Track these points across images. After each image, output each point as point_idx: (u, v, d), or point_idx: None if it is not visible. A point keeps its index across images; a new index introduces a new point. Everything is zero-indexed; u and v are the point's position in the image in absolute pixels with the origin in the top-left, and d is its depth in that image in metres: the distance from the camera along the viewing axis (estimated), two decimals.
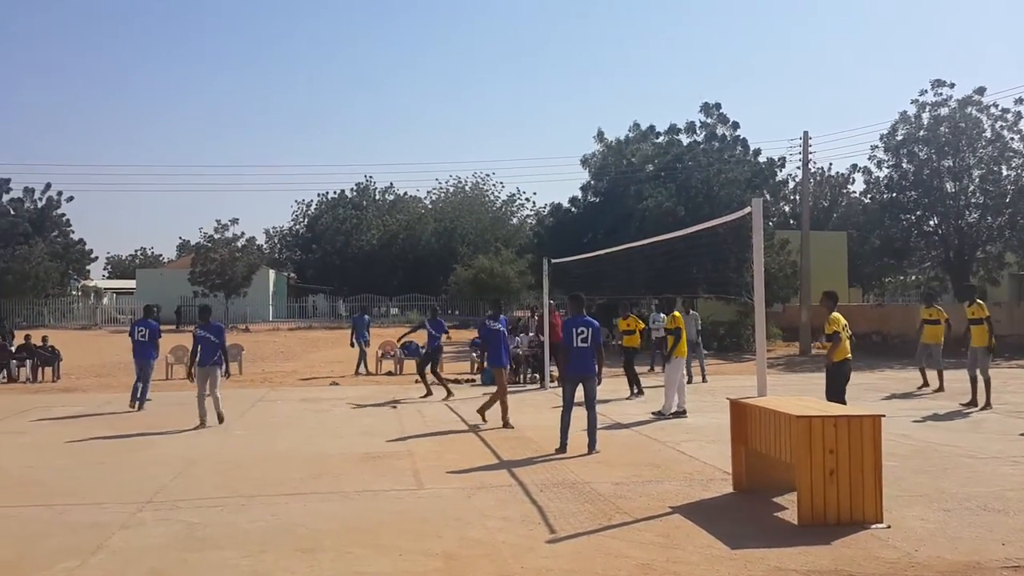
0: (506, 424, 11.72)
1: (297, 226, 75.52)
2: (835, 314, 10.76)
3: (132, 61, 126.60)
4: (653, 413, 12.86)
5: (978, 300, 14.10)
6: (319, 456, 9.73)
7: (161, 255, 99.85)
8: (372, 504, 7.40)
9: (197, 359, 12.25)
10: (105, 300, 61.17)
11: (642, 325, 17.04)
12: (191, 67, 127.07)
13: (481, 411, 12.21)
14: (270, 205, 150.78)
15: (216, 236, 52.37)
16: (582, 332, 9.86)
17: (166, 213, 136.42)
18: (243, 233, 54.73)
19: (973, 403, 13.53)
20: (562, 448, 9.77)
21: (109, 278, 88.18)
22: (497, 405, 11.98)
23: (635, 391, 15.37)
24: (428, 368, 16.11)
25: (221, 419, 12.17)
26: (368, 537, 6.35)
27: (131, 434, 11.48)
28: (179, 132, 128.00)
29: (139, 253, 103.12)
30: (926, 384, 16.04)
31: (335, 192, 73.09)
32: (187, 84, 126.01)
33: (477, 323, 28.75)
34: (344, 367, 23.04)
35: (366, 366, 21.78)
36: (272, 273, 61.26)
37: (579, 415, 9.96)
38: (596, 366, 9.91)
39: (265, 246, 72.46)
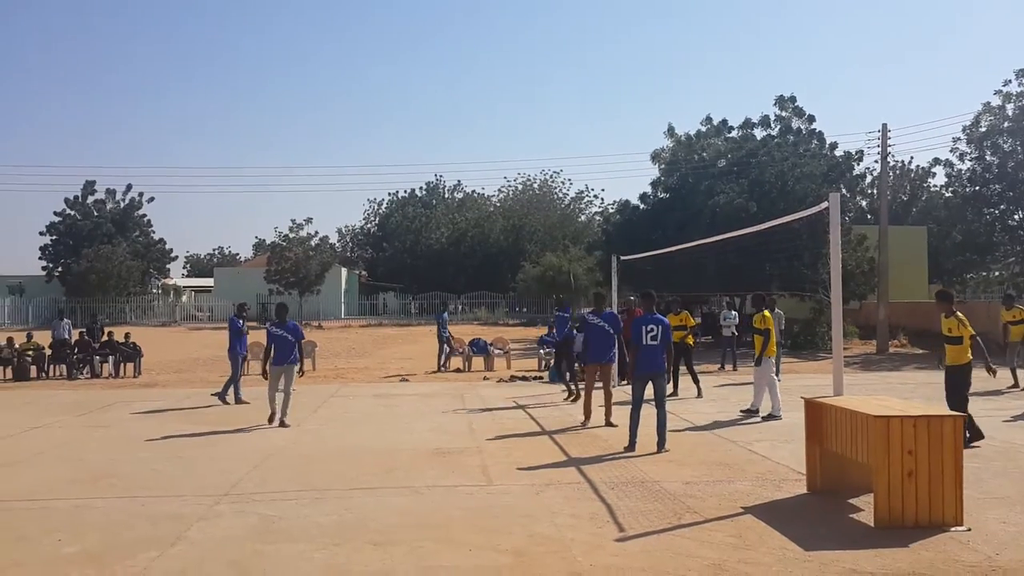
0: (609, 423, 11.47)
1: (368, 225, 76.69)
2: (962, 315, 9.82)
3: (208, 60, 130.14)
4: (742, 411, 12.53)
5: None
6: (390, 451, 9.87)
7: (238, 254, 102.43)
8: (443, 499, 7.48)
9: (272, 357, 12.26)
10: (184, 298, 63.05)
11: (692, 322, 16.57)
12: (269, 67, 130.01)
13: (606, 417, 11.67)
14: (343, 204, 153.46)
15: (291, 235, 53.45)
16: (651, 330, 9.80)
17: (243, 213, 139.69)
18: (316, 232, 55.80)
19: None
20: (631, 447, 9.72)
21: (188, 276, 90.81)
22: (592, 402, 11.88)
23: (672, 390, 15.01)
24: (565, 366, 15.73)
25: (284, 422, 11.88)
26: (439, 532, 6.42)
27: (209, 430, 11.79)
28: (254, 133, 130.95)
29: (217, 252, 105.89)
30: (1016, 384, 15.63)
31: (405, 191, 74.07)
32: (261, 85, 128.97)
33: (546, 320, 28.76)
34: (414, 364, 23.29)
35: (444, 362, 21.83)
36: (344, 271, 62.27)
37: (647, 413, 9.89)
38: (666, 364, 9.87)
39: (338, 245, 73.87)
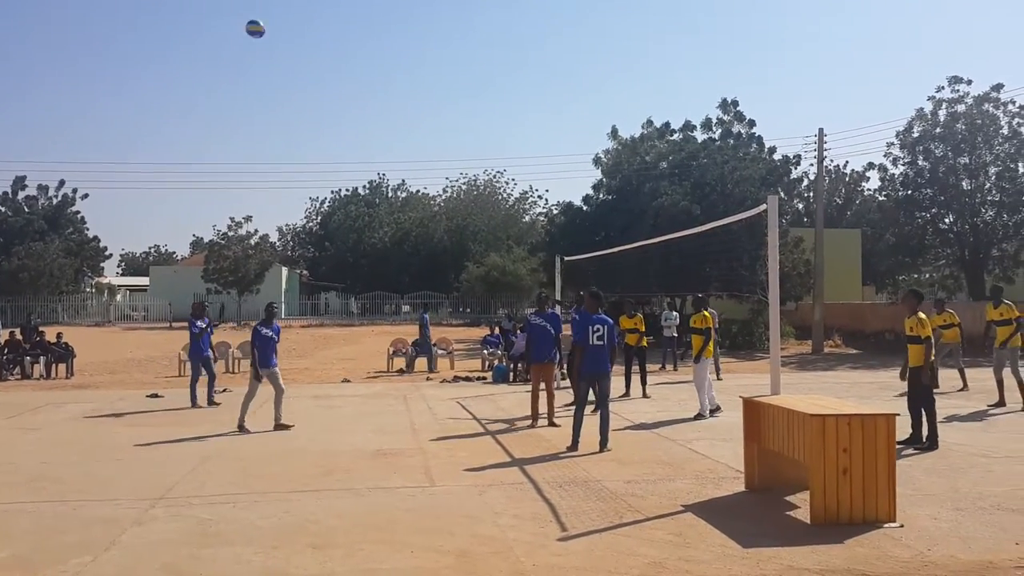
0: (552, 423, 11.51)
1: (310, 224, 75.77)
2: (921, 315, 9.80)
3: (145, 59, 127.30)
4: (694, 417, 12.31)
5: (1005, 300, 13.98)
6: (331, 453, 9.75)
7: (175, 252, 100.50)
8: (384, 501, 7.41)
9: (259, 359, 11.79)
10: (118, 297, 61.65)
11: (643, 327, 16.54)
12: (204, 65, 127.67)
13: (549, 417, 11.71)
14: (283, 203, 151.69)
15: (229, 233, 52.58)
16: (598, 330, 9.83)
17: (180, 211, 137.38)
18: (256, 231, 55.01)
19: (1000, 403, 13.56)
20: (574, 446, 9.76)
21: (123, 275, 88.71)
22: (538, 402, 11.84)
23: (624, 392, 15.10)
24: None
25: (283, 424, 11.58)
26: (380, 534, 6.36)
27: (145, 432, 11.52)
28: (193, 130, 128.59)
29: (153, 250, 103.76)
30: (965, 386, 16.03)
31: (348, 189, 73.38)
32: (200, 82, 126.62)
33: (489, 321, 28.78)
34: (356, 364, 23.07)
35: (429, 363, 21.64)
36: (285, 271, 61.50)
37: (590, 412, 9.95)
38: (610, 364, 9.93)
39: (278, 244, 72.86)
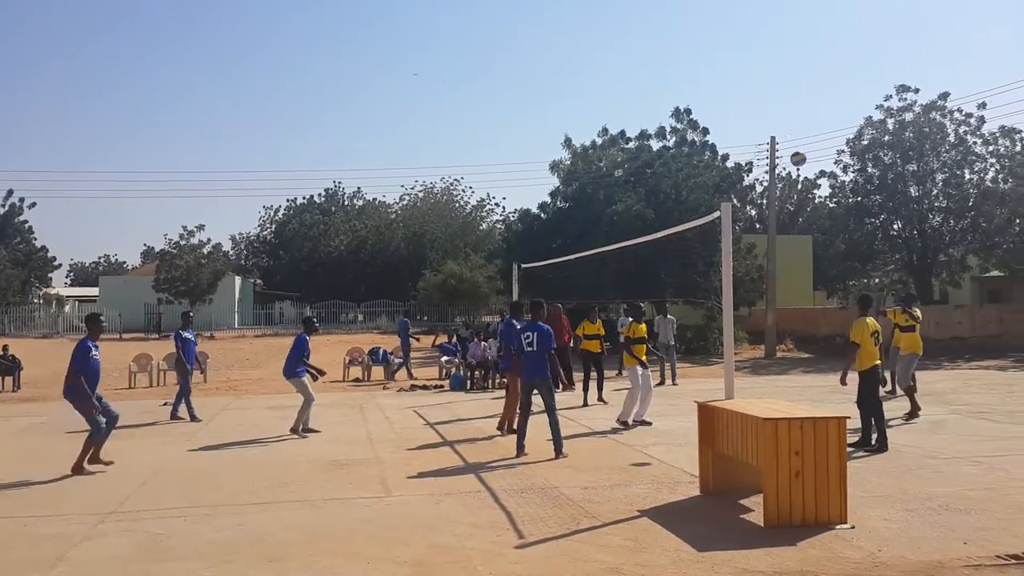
0: (512, 430, 11.32)
1: (264, 232, 74.90)
2: (865, 319, 9.99)
3: (96, 67, 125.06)
4: (618, 422, 12.29)
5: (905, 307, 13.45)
6: (286, 464, 9.64)
7: (125, 262, 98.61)
8: (340, 512, 7.35)
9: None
10: (67, 308, 60.17)
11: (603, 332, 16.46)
12: (156, 73, 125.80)
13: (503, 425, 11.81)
14: (237, 211, 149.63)
15: (181, 242, 51.76)
16: (528, 337, 9.98)
17: (131, 220, 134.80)
18: (209, 239, 54.17)
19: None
20: (519, 452, 9.79)
21: (72, 286, 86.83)
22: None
23: (583, 397, 15.12)
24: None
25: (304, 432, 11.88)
26: (336, 545, 6.30)
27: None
28: (145, 138, 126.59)
29: (103, 260, 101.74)
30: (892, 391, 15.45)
31: (304, 198, 72.69)
32: (152, 90, 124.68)
33: (447, 329, 28.67)
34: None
35: (411, 372, 21.52)
36: (238, 280, 60.66)
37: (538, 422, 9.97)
38: (546, 371, 9.91)
39: (231, 252, 71.95)
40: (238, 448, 10.88)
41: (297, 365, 12.15)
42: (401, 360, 21.96)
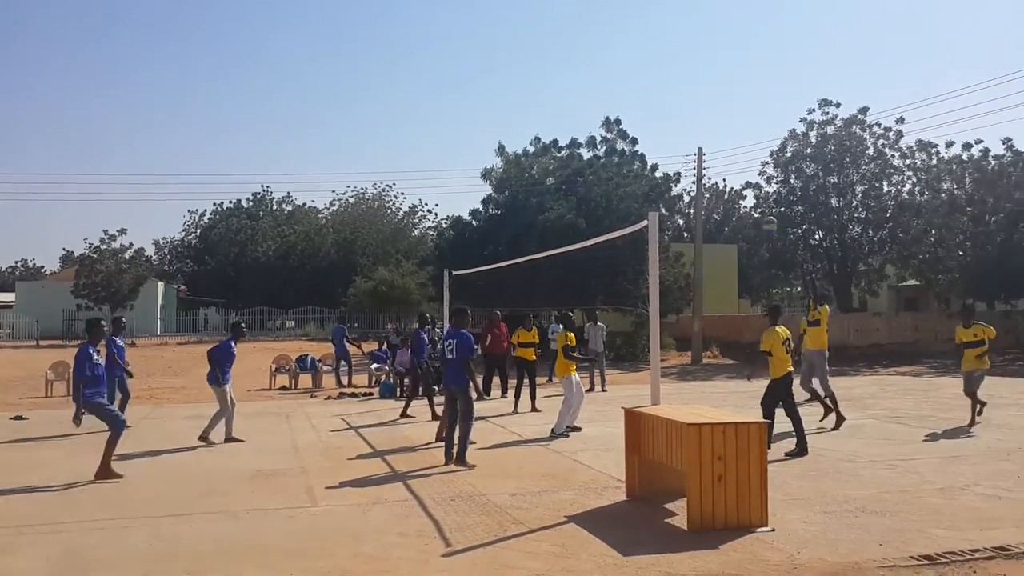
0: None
1: (189, 237, 73.19)
2: (775, 329, 10.18)
3: (16, 65, 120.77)
4: (553, 434, 12.15)
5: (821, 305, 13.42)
6: (207, 474, 9.43)
7: (43, 267, 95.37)
8: (263, 523, 7.21)
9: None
10: None
11: (538, 340, 16.53)
12: (76, 73, 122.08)
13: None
14: (161, 215, 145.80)
15: (102, 247, 50.24)
16: (450, 344, 9.96)
17: (49, 223, 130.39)
18: (131, 244, 52.70)
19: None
20: (447, 460, 9.79)
21: None
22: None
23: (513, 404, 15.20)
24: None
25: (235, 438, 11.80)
26: (258, 557, 6.18)
27: (9, 454, 10.87)
28: (65, 139, 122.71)
29: (19, 265, 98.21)
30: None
31: (230, 202, 71.27)
32: (73, 90, 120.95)
33: (378, 335, 28.47)
34: (237, 382, 22.28)
35: (339, 380, 21.17)
36: (161, 285, 59.15)
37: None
38: (465, 378, 9.81)
39: (154, 257, 70.02)
40: (158, 458, 10.59)
41: (217, 372, 11.81)
42: (331, 367, 21.69)
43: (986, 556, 5.94)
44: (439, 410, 12.13)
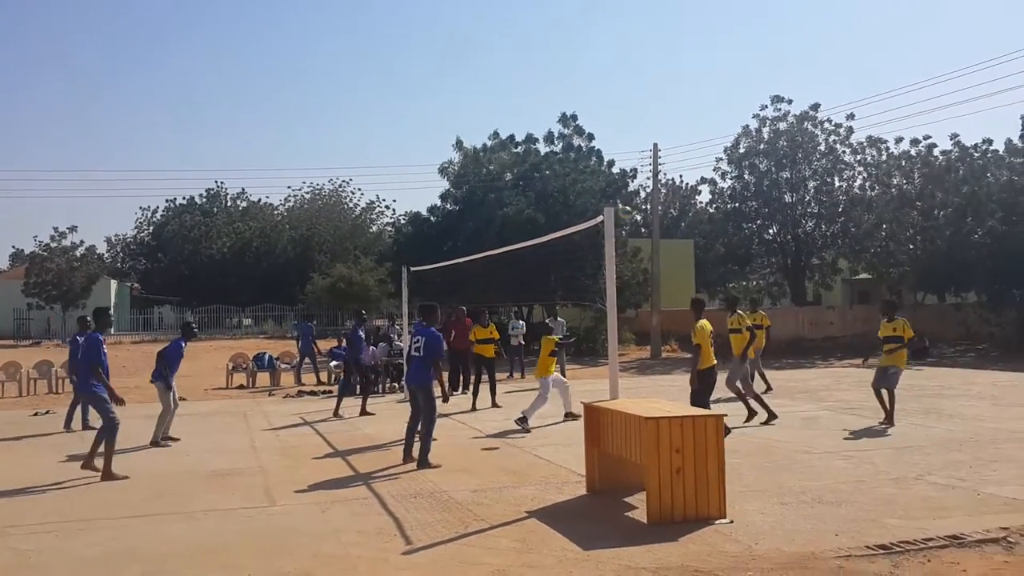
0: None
1: (141, 234, 71.99)
2: (702, 322, 10.52)
3: None
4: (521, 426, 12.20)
5: (739, 311, 13.69)
6: (163, 475, 9.29)
7: None
8: (220, 524, 7.11)
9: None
10: None
11: (498, 336, 16.61)
12: (23, 64, 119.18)
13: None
14: (112, 212, 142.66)
15: (53, 244, 49.25)
16: (417, 341, 9.66)
17: None
18: (82, 241, 51.82)
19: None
20: (406, 458, 9.72)
21: None
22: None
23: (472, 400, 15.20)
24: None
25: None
26: (215, 558, 6.10)
27: None
28: (12, 133, 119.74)
29: None
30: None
31: (183, 198, 70.22)
32: (21, 81, 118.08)
33: (336, 332, 28.27)
34: (193, 381, 22.06)
35: (299, 378, 21.12)
36: (114, 283, 58.15)
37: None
38: (428, 378, 9.57)
39: (107, 255, 68.79)
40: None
41: (164, 370, 11.67)
42: (289, 365, 21.50)
43: (940, 545, 6.07)
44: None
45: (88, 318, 13.80)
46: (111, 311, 10.72)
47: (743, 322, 13.28)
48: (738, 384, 12.57)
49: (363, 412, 14.12)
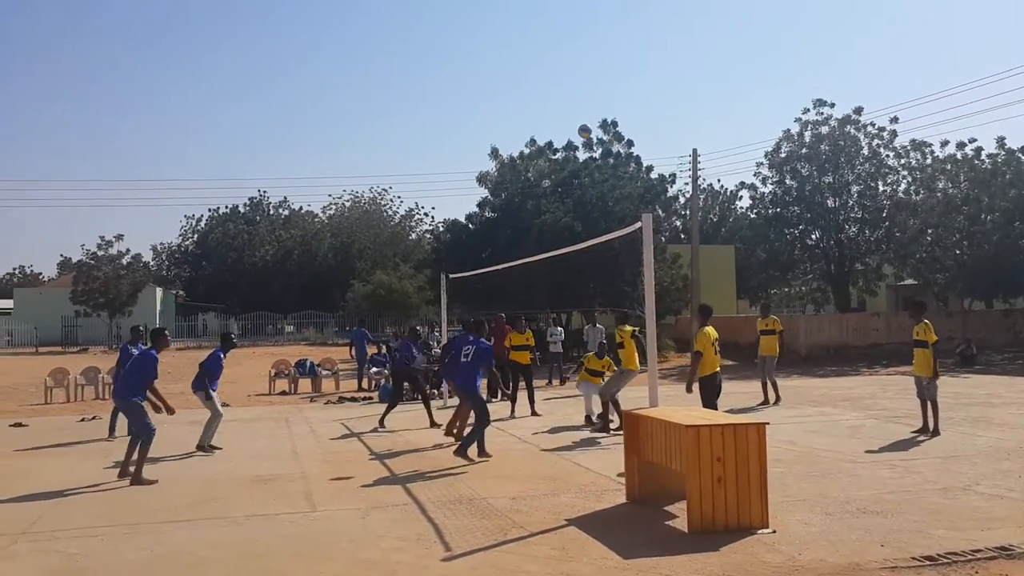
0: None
1: (186, 242, 73.23)
2: (705, 329, 10.58)
3: (6, 68, 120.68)
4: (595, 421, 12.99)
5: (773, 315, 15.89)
6: (207, 480, 9.41)
7: (41, 273, 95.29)
8: (262, 529, 7.19)
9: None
10: None
11: (534, 343, 16.66)
12: (71, 76, 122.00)
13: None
14: (158, 221, 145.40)
15: (99, 253, 50.24)
16: (467, 350, 10.56)
17: (47, 229, 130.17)
18: (128, 250, 52.73)
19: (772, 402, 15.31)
20: (447, 431, 10.94)
21: None
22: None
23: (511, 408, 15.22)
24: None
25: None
26: (257, 563, 6.16)
27: (5, 462, 10.86)
28: (62, 145, 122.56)
29: (17, 271, 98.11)
30: (766, 400, 15.62)
31: (227, 207, 71.29)
32: (69, 94, 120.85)
33: (377, 339, 28.42)
34: (236, 387, 22.35)
35: (361, 384, 21.30)
36: (159, 291, 59.15)
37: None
38: (474, 382, 10.52)
39: (152, 263, 70.04)
40: (157, 464, 10.54)
41: (205, 381, 11.73)
42: (330, 372, 21.68)
43: (988, 556, 5.93)
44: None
45: (141, 328, 14.01)
46: (167, 331, 10.90)
47: (776, 325, 15.80)
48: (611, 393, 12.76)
49: (431, 423, 13.81)
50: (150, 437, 9.52)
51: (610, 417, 12.44)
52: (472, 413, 10.86)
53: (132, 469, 9.47)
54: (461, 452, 10.01)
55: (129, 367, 10.07)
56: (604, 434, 12.19)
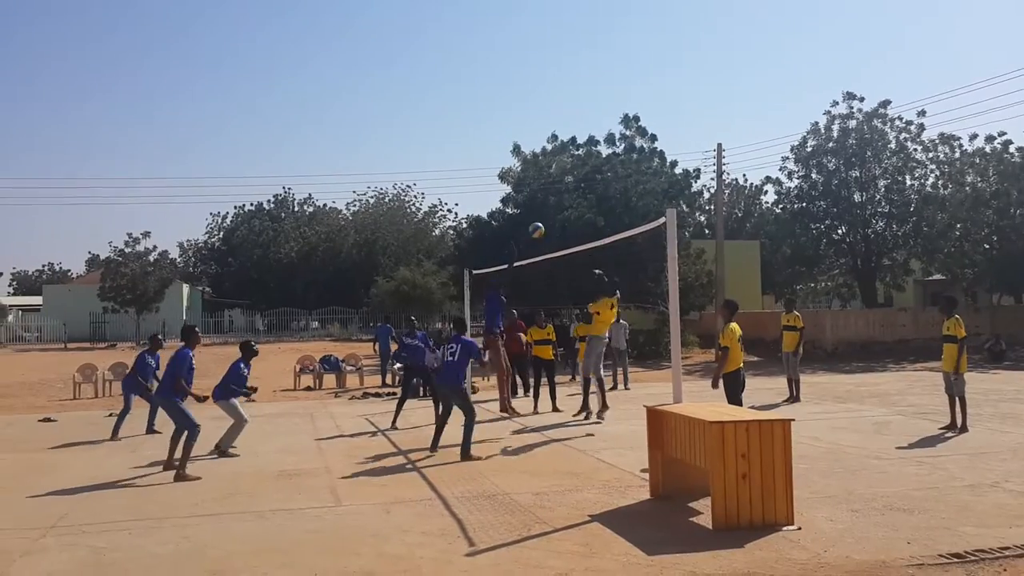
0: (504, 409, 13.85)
1: (212, 239, 73.84)
2: (731, 325, 10.43)
3: (35, 67, 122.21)
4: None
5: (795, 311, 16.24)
6: (232, 475, 9.50)
7: (70, 270, 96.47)
8: (288, 523, 7.24)
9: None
10: (10, 318, 58.57)
11: (555, 337, 16.79)
12: (98, 74, 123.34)
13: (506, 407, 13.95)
14: (184, 218, 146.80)
15: (127, 250, 50.75)
16: (452, 348, 10.68)
17: (75, 227, 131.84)
18: (155, 247, 53.27)
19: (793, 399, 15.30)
20: (432, 448, 10.55)
21: (14, 295, 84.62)
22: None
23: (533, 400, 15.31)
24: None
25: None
26: (283, 557, 6.21)
27: (33, 457, 11.01)
28: (89, 143, 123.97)
29: (46, 268, 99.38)
30: (791, 396, 15.51)
31: (252, 204, 71.80)
32: (98, 93, 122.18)
33: (400, 335, 28.51)
34: (261, 383, 22.43)
35: (384, 379, 21.54)
36: (186, 287, 59.64)
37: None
38: (459, 380, 10.56)
39: (179, 260, 70.64)
40: None
41: (227, 389, 11.66)
42: (354, 367, 21.78)
43: (1017, 554, 5.86)
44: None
45: (159, 335, 14.17)
46: (197, 328, 11.04)
47: (797, 321, 15.96)
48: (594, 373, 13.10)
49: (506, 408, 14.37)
50: (195, 433, 9.70)
51: (591, 391, 13.11)
52: (508, 380, 11.59)
53: (176, 464, 9.54)
54: (466, 456, 9.99)
55: (167, 367, 10.30)
56: (606, 410, 13.03)
